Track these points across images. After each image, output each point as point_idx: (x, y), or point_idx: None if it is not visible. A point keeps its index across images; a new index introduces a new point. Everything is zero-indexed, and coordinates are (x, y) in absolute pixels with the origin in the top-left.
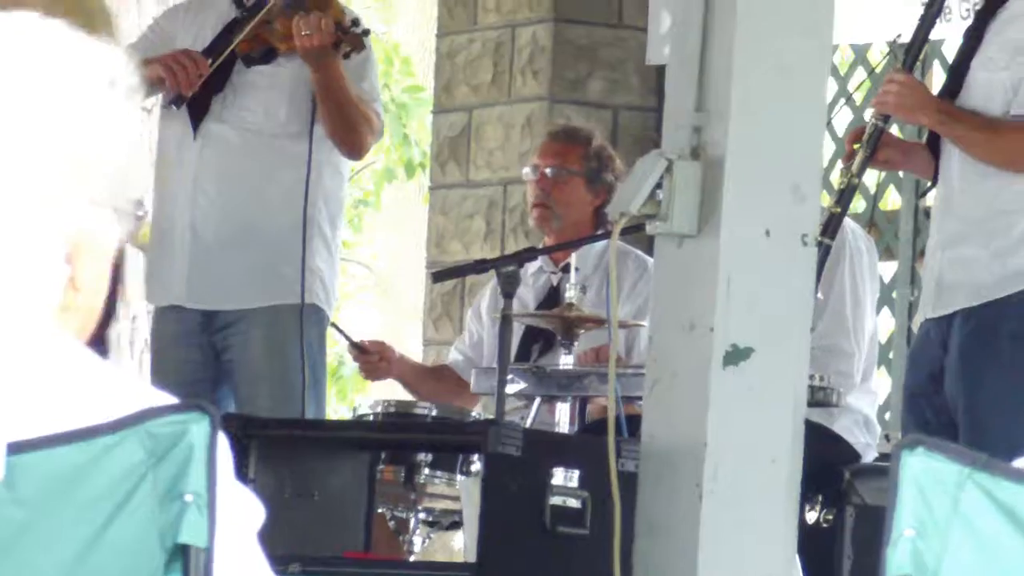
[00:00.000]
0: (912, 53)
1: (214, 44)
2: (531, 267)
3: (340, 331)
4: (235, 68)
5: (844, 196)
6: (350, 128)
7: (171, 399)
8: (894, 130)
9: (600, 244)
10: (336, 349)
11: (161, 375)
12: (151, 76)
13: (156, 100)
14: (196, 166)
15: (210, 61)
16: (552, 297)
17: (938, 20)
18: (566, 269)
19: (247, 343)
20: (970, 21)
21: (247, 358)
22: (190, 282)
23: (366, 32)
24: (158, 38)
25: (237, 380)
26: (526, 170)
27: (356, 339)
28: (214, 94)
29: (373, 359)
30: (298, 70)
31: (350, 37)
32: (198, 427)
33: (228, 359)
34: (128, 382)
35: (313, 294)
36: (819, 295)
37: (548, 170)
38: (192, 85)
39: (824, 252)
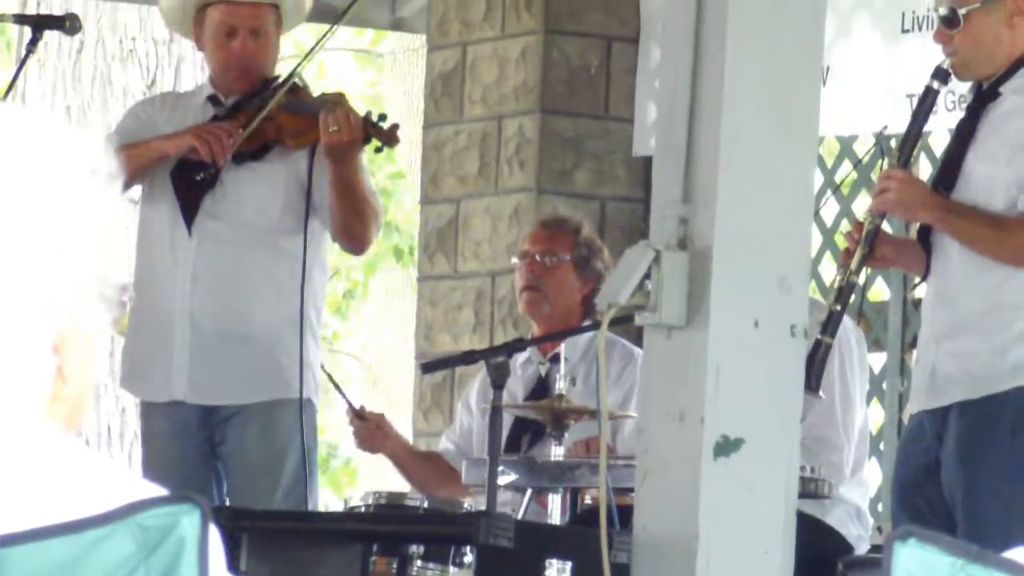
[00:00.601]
0: (906, 149)
1: None
2: (520, 358)
3: (342, 393)
4: (224, 166)
5: (843, 294)
6: (362, 222)
7: (161, 491)
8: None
9: (587, 334)
10: (324, 438)
11: (155, 471)
12: (177, 148)
13: (138, 192)
14: (194, 263)
15: (241, 130)
16: (541, 387)
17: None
18: (554, 359)
19: (244, 435)
20: (956, 113)
21: (243, 450)
22: (192, 378)
23: (395, 126)
24: (138, 126)
25: (232, 470)
26: (515, 259)
27: (356, 405)
28: (205, 192)
29: (370, 427)
30: (290, 166)
31: (380, 132)
32: (189, 519)
33: (224, 451)
34: (118, 474)
35: (308, 388)
36: (821, 394)
37: (538, 256)
38: (225, 154)
39: (825, 350)
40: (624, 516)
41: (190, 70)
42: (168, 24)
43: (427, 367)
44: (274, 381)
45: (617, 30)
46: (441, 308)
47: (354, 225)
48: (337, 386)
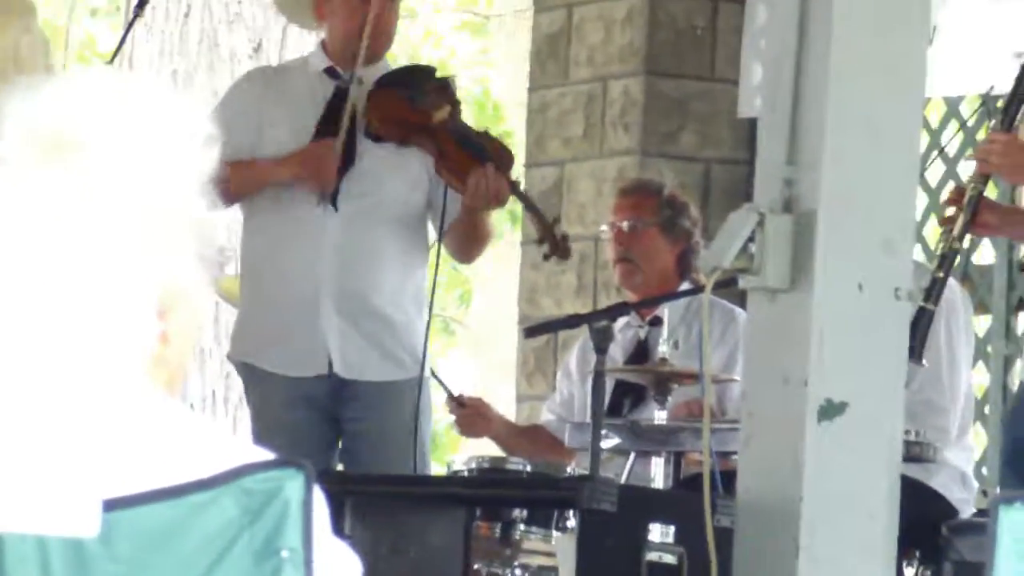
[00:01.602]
0: (1011, 112)
1: (328, 120)
2: (619, 321)
3: (441, 382)
4: (360, 145)
5: (946, 261)
6: (480, 248)
7: (267, 454)
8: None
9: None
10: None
11: (271, 440)
12: (288, 176)
13: None
14: (340, 240)
15: (340, 140)
16: (640, 351)
17: None
18: (653, 323)
19: (369, 408)
20: None
21: (368, 423)
22: (342, 353)
23: (566, 237)
24: (246, 122)
25: (352, 441)
26: (603, 228)
27: (455, 393)
28: (344, 171)
29: (470, 413)
30: (422, 159)
31: (556, 245)
32: (293, 483)
33: (353, 426)
34: (223, 437)
35: (428, 366)
36: (925, 362)
37: (624, 224)
38: (333, 178)
39: (928, 318)
40: (728, 480)
41: (296, 34)
42: (282, 10)
43: (530, 331)
44: (404, 359)
45: None
46: (544, 272)
47: (472, 250)
48: (437, 376)
